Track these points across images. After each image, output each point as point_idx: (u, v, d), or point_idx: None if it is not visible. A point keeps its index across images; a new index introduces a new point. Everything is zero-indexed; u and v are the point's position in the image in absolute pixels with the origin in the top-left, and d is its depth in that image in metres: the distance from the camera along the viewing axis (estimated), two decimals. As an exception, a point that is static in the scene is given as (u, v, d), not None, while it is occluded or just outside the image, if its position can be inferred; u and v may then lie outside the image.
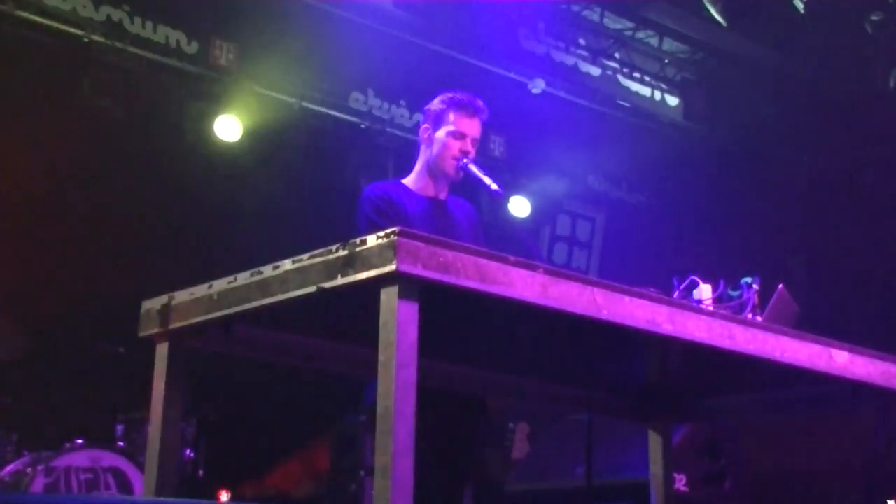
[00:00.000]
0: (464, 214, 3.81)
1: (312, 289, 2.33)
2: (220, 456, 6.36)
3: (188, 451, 5.87)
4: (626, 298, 2.55)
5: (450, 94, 3.77)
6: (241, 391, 6.71)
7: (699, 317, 2.74)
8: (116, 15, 6.87)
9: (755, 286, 3.05)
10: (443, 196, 3.78)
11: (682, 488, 5.59)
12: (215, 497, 6.47)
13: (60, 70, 6.78)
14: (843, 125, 8.68)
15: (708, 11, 7.80)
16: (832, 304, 7.92)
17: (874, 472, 7.45)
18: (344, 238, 2.32)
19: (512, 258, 2.37)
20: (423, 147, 3.79)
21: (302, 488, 7.50)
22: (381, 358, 2.20)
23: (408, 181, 3.79)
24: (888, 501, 6.55)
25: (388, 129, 7.97)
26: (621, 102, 9.07)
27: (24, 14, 6.54)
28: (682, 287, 3.05)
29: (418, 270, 2.20)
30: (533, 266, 2.39)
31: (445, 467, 3.57)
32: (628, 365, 3.35)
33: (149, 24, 6.98)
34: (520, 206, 8.53)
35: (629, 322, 2.55)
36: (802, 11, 7.92)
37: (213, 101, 7.29)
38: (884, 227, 8.41)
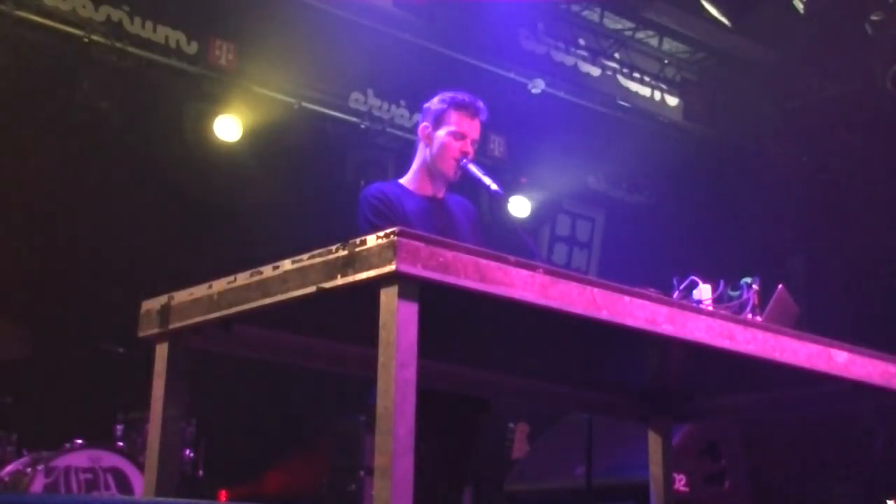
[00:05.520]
0: (462, 212, 3.81)
1: (312, 289, 2.33)
2: (220, 456, 6.36)
3: (188, 451, 5.87)
4: (626, 298, 2.55)
5: (450, 94, 3.77)
6: (241, 391, 6.71)
7: (699, 317, 2.74)
8: (116, 15, 6.86)
9: (755, 286, 3.05)
10: (441, 195, 3.77)
11: (682, 488, 5.59)
12: (215, 497, 6.47)
13: (60, 70, 6.78)
14: (843, 125, 8.68)
15: (708, 12, 7.80)
16: (832, 304, 7.92)
17: (874, 472, 7.45)
18: (344, 238, 2.32)
19: (512, 258, 2.36)
20: (421, 146, 3.78)
21: (302, 488, 7.50)
22: (381, 358, 2.20)
23: (406, 181, 3.78)
24: (888, 501, 6.55)
25: (388, 129, 7.97)
26: (621, 102, 9.07)
27: (24, 14, 6.53)
28: (681, 287, 3.05)
29: (418, 270, 2.20)
30: (533, 266, 2.39)
31: (445, 467, 3.57)
32: (628, 365, 3.35)
33: (148, 24, 6.97)
34: (520, 206, 8.53)
35: (629, 322, 2.55)
36: (802, 11, 7.91)
37: (213, 101, 7.28)
38: (884, 227, 8.41)
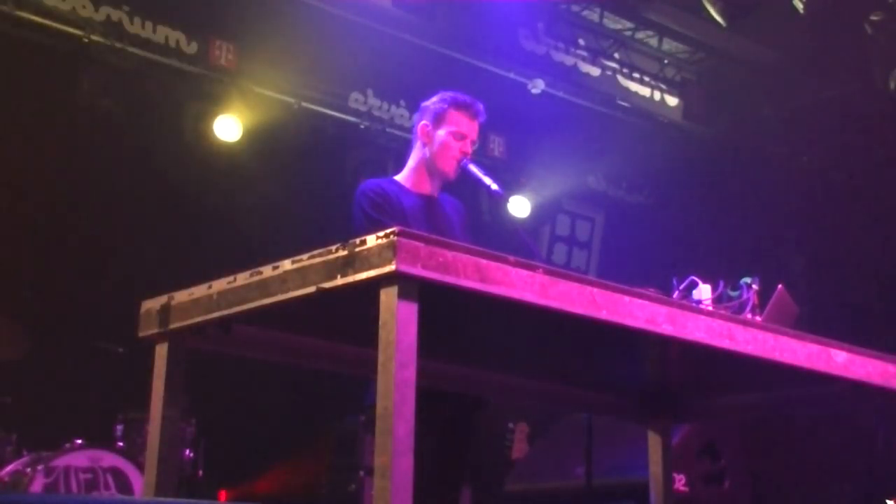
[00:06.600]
0: (455, 212, 3.81)
1: (312, 289, 2.33)
2: (220, 456, 6.36)
3: (188, 451, 5.87)
4: (626, 298, 2.55)
5: (450, 94, 3.77)
6: (241, 391, 6.71)
7: (698, 317, 2.74)
8: (116, 15, 6.86)
9: (755, 286, 3.05)
10: (436, 194, 3.78)
11: (682, 488, 5.60)
12: (215, 497, 6.47)
13: (60, 70, 6.77)
14: (843, 125, 8.67)
15: (707, 11, 7.80)
16: (832, 304, 7.92)
17: (874, 472, 7.45)
18: (343, 238, 2.32)
19: (512, 258, 2.36)
20: (419, 144, 3.77)
21: (301, 488, 7.50)
22: (381, 358, 2.20)
23: (402, 178, 3.78)
24: (888, 501, 6.55)
25: (387, 130, 7.96)
26: (621, 102, 9.07)
27: (24, 14, 6.53)
28: (681, 287, 3.05)
29: (418, 270, 2.20)
30: (532, 266, 2.39)
31: (444, 467, 3.57)
32: (628, 365, 3.35)
33: (148, 24, 6.97)
34: (519, 206, 8.53)
35: (628, 322, 2.55)
36: (802, 11, 7.91)
37: (213, 101, 7.28)
38: (884, 227, 8.41)
